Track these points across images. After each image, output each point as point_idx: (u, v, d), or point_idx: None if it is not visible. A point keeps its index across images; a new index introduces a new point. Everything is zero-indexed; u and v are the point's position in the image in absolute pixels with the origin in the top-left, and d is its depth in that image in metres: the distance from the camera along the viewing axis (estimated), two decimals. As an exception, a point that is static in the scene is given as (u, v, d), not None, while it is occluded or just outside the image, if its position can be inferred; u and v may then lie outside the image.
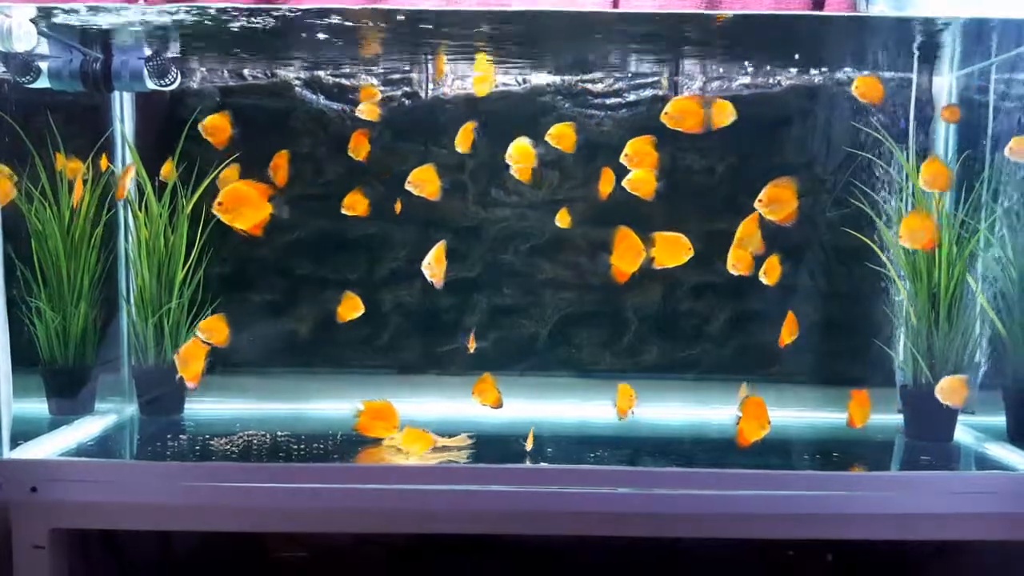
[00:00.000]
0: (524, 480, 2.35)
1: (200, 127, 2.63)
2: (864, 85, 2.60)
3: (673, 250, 2.48)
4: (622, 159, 2.57)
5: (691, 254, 2.49)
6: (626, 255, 2.45)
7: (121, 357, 3.09)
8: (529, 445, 2.56)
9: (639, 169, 2.57)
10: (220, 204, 2.31)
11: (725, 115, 2.54)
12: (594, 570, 2.90)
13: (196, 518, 2.37)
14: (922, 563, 2.82)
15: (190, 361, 2.53)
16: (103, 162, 2.89)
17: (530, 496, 2.32)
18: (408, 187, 2.66)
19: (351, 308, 2.71)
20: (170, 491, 2.34)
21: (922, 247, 2.56)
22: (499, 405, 2.65)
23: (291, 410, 3.14)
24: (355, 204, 2.72)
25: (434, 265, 2.59)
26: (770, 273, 2.54)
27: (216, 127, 2.60)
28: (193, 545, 2.92)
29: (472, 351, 2.78)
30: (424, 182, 2.65)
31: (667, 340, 3.23)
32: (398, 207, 2.89)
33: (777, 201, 2.39)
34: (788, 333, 2.62)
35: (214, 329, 2.52)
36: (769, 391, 3.14)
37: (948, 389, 2.56)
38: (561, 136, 2.70)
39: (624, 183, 2.60)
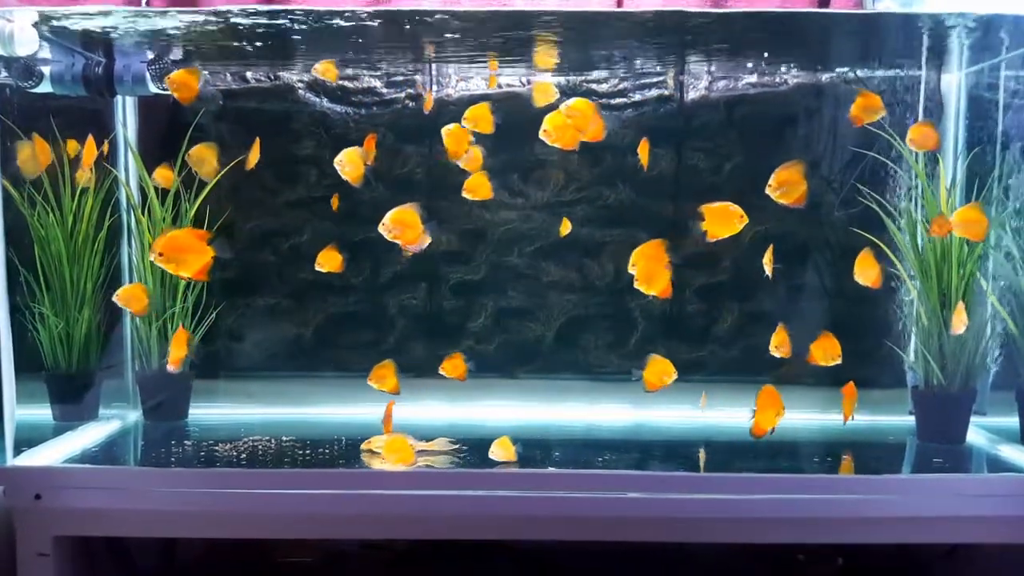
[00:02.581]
0: (531, 485, 2.33)
1: (167, 81, 2.58)
2: (918, 134, 2.52)
3: (725, 220, 2.41)
4: (541, 135, 2.50)
5: (744, 222, 2.39)
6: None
7: (125, 362, 3.08)
8: (501, 454, 2.47)
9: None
10: (160, 255, 2.31)
11: (875, 111, 2.50)
12: (601, 575, 2.88)
13: (201, 525, 2.36)
14: (934, 567, 2.79)
15: (173, 345, 2.58)
16: (100, 144, 2.84)
17: (538, 501, 2.30)
18: (336, 165, 2.60)
19: (330, 260, 2.67)
20: (174, 498, 2.32)
21: (871, 284, 2.58)
22: (397, 391, 2.63)
23: (296, 415, 3.12)
24: (329, 260, 2.68)
25: (393, 227, 2.51)
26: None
27: (182, 83, 2.53)
28: (198, 552, 2.90)
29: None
30: (349, 164, 2.59)
31: (674, 342, 3.21)
32: (335, 203, 2.83)
33: (787, 184, 2.39)
34: (781, 344, 2.58)
35: (132, 297, 2.51)
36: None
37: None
38: (479, 118, 2.65)
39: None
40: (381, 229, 2.50)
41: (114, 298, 2.57)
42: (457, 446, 2.60)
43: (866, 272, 2.55)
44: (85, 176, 2.79)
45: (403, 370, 3.21)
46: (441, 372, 2.64)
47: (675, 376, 2.51)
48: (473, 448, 2.63)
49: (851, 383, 2.56)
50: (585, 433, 2.98)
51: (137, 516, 2.33)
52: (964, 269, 2.66)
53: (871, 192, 2.87)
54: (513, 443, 2.46)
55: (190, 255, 2.31)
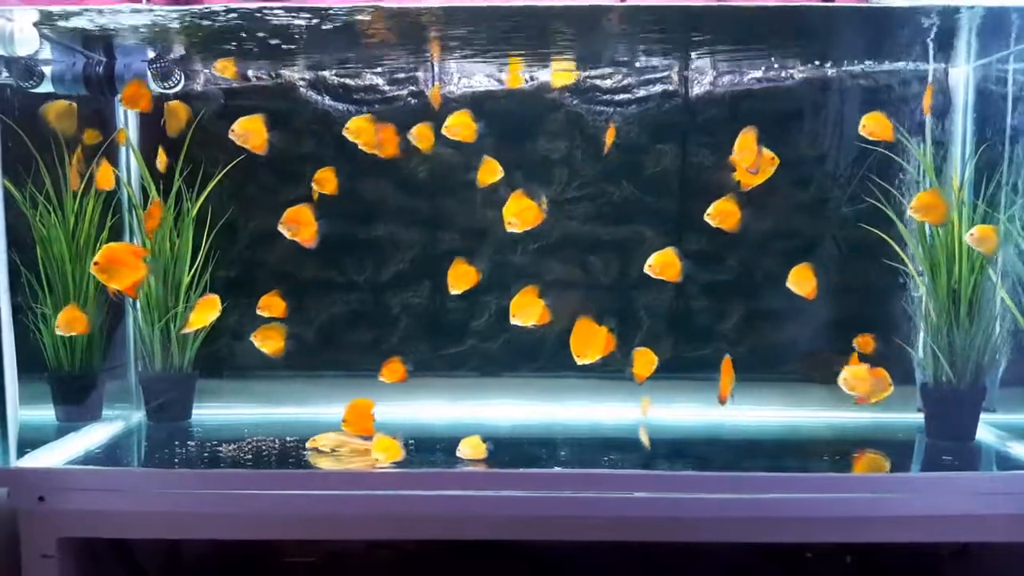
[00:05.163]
0: (538, 485, 2.31)
1: (118, 99, 2.60)
2: (872, 123, 2.55)
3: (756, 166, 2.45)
4: (507, 227, 2.57)
5: (776, 164, 2.42)
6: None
7: (128, 363, 3.07)
8: (470, 453, 2.45)
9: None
10: (96, 264, 2.35)
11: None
12: (608, 575, 2.86)
13: (205, 526, 2.35)
14: (944, 565, 2.76)
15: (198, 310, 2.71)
16: (95, 133, 2.84)
17: (544, 501, 2.28)
18: (231, 137, 2.58)
19: (272, 306, 2.70)
20: (179, 499, 2.31)
21: (806, 295, 2.61)
22: (279, 354, 2.64)
23: (300, 414, 3.11)
24: (271, 306, 2.70)
25: (290, 224, 2.53)
26: (666, 270, 2.52)
27: (135, 95, 2.61)
28: (203, 552, 2.90)
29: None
30: (249, 132, 2.57)
31: (679, 339, 3.18)
32: (315, 194, 2.82)
33: (743, 149, 2.46)
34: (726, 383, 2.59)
35: (72, 320, 2.60)
36: (785, 391, 3.12)
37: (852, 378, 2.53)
38: (360, 131, 2.68)
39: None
40: (280, 227, 2.55)
41: (56, 329, 2.63)
42: (412, 443, 2.58)
43: (800, 283, 2.59)
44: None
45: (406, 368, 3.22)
46: (381, 379, 2.62)
47: (656, 362, 2.55)
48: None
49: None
50: (590, 432, 2.96)
51: (141, 517, 2.32)
52: (974, 264, 2.63)
53: (881, 184, 2.84)
54: (484, 441, 2.47)
55: (124, 269, 2.36)
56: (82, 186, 2.82)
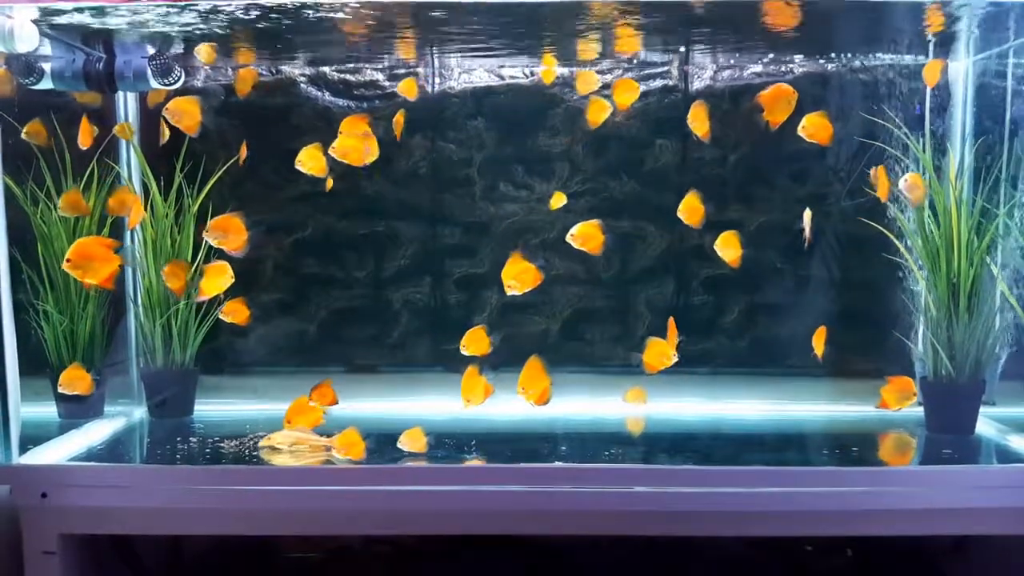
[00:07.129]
0: (538, 480, 2.31)
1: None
2: (812, 125, 2.57)
3: (782, 102, 2.54)
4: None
5: (796, 96, 2.52)
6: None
7: (129, 359, 3.07)
8: (410, 445, 2.47)
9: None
10: (69, 261, 2.35)
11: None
12: (608, 569, 2.87)
13: (207, 522, 2.35)
14: (943, 558, 2.77)
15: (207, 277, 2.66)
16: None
17: (545, 496, 2.29)
18: (165, 114, 2.59)
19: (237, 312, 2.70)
20: (180, 495, 2.31)
21: (730, 263, 2.66)
22: (182, 291, 2.68)
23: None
24: (235, 311, 2.70)
25: (216, 232, 2.52)
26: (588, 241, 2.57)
27: (86, 131, 2.67)
28: (204, 548, 2.90)
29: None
30: (182, 112, 2.57)
31: (680, 334, 3.18)
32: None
33: (695, 119, 2.63)
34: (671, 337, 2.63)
35: (75, 379, 2.65)
36: (785, 385, 3.13)
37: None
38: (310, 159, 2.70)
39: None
40: (205, 235, 2.53)
41: (60, 388, 2.66)
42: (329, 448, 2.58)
43: (726, 250, 2.64)
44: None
45: (407, 364, 3.22)
46: (312, 402, 2.63)
47: (675, 359, 2.54)
48: (480, 442, 2.62)
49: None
50: (591, 427, 2.96)
51: (143, 514, 2.33)
52: (973, 258, 2.63)
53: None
54: (425, 435, 2.48)
55: (97, 263, 2.36)
56: (82, 183, 2.82)
